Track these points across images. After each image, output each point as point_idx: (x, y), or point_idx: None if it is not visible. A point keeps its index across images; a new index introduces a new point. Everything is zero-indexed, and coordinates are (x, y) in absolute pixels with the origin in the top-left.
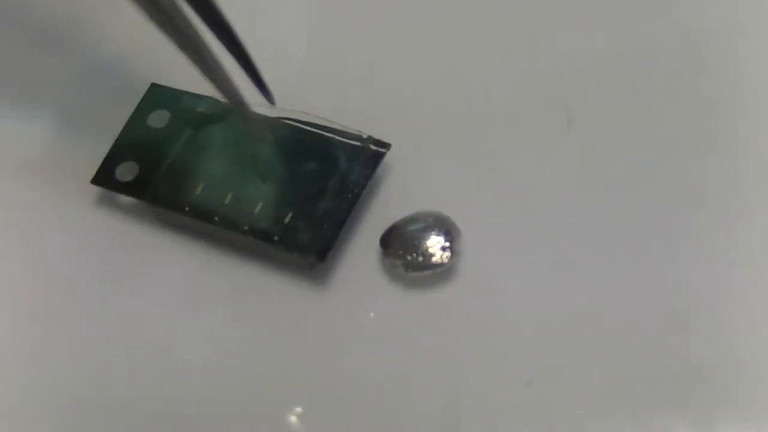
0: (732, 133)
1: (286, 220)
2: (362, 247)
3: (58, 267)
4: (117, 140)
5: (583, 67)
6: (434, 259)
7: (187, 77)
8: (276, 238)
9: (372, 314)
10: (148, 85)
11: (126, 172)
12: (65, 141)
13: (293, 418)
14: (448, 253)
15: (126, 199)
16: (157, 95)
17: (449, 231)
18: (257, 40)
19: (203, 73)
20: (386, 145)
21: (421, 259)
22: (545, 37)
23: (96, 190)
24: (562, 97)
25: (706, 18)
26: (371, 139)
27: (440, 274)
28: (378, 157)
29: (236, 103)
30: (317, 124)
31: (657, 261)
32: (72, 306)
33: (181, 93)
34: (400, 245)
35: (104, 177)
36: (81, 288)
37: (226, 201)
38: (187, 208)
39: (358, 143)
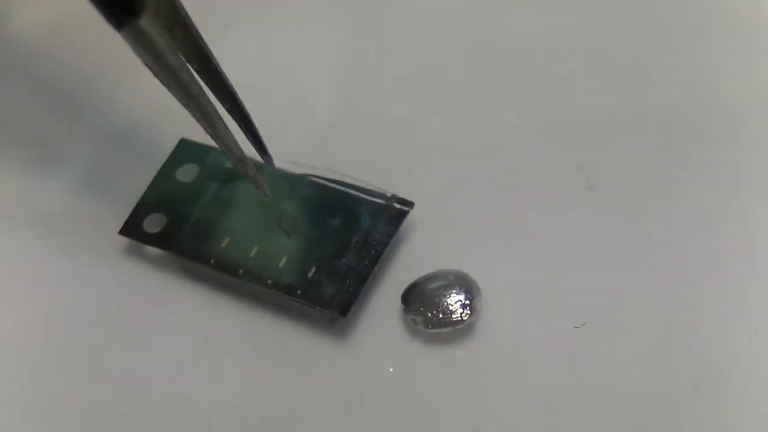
0: (748, 191)
1: (310, 274)
2: (384, 303)
3: (84, 315)
4: (146, 192)
5: (605, 128)
6: (454, 316)
7: None
8: (299, 292)
9: (392, 369)
10: (177, 140)
11: (153, 223)
12: (96, 194)
13: None
14: (467, 311)
15: (152, 250)
16: (186, 150)
17: (469, 289)
18: (283, 98)
19: (206, 129)
20: (410, 204)
21: (441, 316)
22: (568, 97)
23: (123, 241)
24: (583, 157)
25: (730, 82)
26: (395, 198)
27: (460, 331)
28: (401, 216)
29: (236, 159)
30: (342, 182)
31: (679, 325)
32: (97, 354)
33: (209, 149)
34: (421, 302)
35: (132, 228)
36: (106, 335)
37: (251, 255)
38: (212, 261)
39: (382, 201)
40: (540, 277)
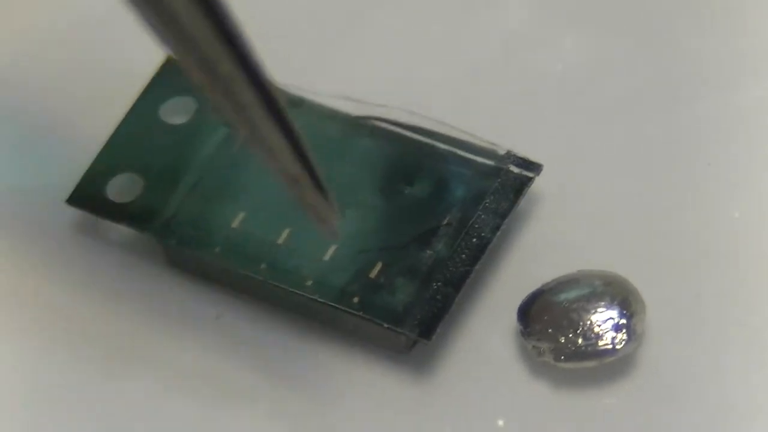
0: None
1: (373, 273)
2: (490, 321)
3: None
4: (110, 141)
5: None
6: (602, 343)
7: None
8: (355, 300)
9: (501, 423)
10: (161, 60)
11: (123, 188)
12: (41, 146)
13: None
14: (623, 336)
15: (122, 231)
16: (176, 75)
17: (627, 302)
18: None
19: (239, 127)
20: (535, 167)
21: (581, 342)
22: None
23: (74, 216)
24: None
25: None
26: (512, 157)
27: (611, 366)
28: (521, 185)
29: (288, 178)
30: (428, 130)
31: None
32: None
33: None
34: (549, 321)
35: (88, 195)
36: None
37: (280, 240)
38: (217, 249)
39: (492, 162)
40: (741, 285)
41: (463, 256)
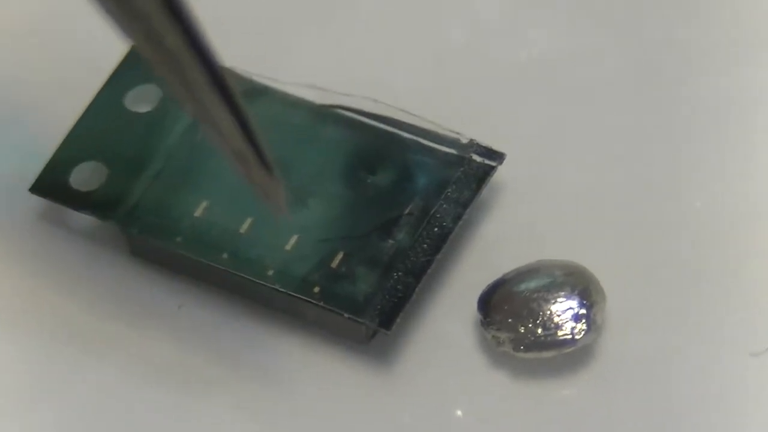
0: None
1: (334, 263)
2: (450, 311)
3: None
4: (74, 129)
5: None
6: (561, 333)
7: None
8: (316, 290)
9: (460, 413)
10: (126, 48)
11: (87, 177)
12: (4, 135)
13: None
14: (583, 326)
15: (86, 220)
16: (142, 63)
17: (587, 293)
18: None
19: (184, 102)
20: (497, 156)
21: (540, 332)
22: None
23: (37, 204)
24: None
25: None
26: (474, 146)
27: (570, 356)
28: (484, 174)
29: (232, 152)
30: (391, 119)
31: None
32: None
33: None
34: (509, 311)
35: (51, 183)
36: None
37: (242, 230)
38: (179, 239)
39: (454, 151)
40: (701, 275)
41: (425, 245)
